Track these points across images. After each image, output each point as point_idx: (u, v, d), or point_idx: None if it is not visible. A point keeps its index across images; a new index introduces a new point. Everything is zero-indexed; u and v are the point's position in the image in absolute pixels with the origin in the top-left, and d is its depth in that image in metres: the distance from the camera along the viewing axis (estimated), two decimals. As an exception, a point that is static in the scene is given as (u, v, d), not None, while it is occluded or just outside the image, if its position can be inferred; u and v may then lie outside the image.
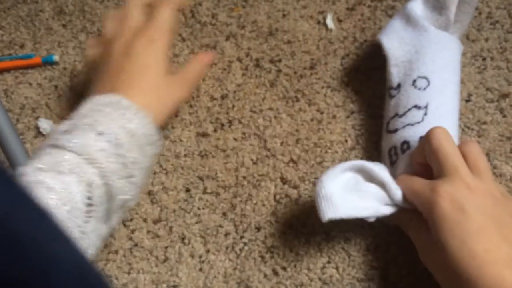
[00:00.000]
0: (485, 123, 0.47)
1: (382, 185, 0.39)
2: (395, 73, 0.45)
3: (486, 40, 0.50)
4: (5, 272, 0.19)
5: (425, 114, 0.41)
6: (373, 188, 0.39)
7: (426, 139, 0.37)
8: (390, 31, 0.46)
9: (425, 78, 0.43)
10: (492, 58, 0.49)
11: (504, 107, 0.47)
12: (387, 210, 0.39)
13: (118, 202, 0.39)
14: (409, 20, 0.45)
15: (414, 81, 0.43)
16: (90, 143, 0.37)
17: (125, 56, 0.44)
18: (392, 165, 0.42)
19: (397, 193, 0.38)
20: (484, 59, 0.50)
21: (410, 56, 0.44)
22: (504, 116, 0.47)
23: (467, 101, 0.48)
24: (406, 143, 0.41)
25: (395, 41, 0.46)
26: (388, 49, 0.46)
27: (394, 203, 0.39)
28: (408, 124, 0.42)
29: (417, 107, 0.42)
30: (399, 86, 0.44)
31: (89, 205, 0.36)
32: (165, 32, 0.45)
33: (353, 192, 0.39)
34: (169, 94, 0.44)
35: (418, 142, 0.40)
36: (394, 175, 0.40)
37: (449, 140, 0.37)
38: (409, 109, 0.42)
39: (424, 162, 0.38)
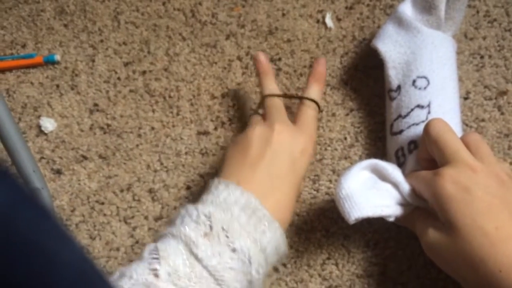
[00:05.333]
0: (483, 120, 0.47)
1: (395, 185, 0.39)
2: (394, 75, 0.45)
3: (484, 38, 0.51)
4: (7, 272, 0.19)
5: (429, 112, 0.42)
6: (389, 187, 0.39)
7: (425, 131, 0.38)
8: (384, 35, 0.47)
9: (425, 77, 0.43)
10: (490, 56, 0.50)
11: (502, 105, 0.48)
12: (402, 209, 0.39)
13: None
14: (401, 23, 0.46)
15: (414, 81, 0.43)
16: (224, 261, 0.35)
17: (266, 146, 0.41)
18: (400, 167, 0.42)
19: (407, 190, 0.39)
20: (482, 57, 0.50)
21: (407, 58, 0.45)
22: (502, 114, 0.47)
23: (465, 98, 0.48)
24: (413, 143, 0.41)
25: (390, 45, 0.46)
26: (384, 52, 0.46)
27: (406, 202, 0.39)
28: (413, 124, 0.42)
29: (420, 106, 0.42)
30: (399, 87, 0.44)
31: None
32: (313, 136, 0.44)
33: (373, 191, 0.38)
34: (294, 199, 0.41)
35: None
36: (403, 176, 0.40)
37: (447, 128, 0.37)
38: (412, 109, 0.42)
39: (429, 157, 0.39)
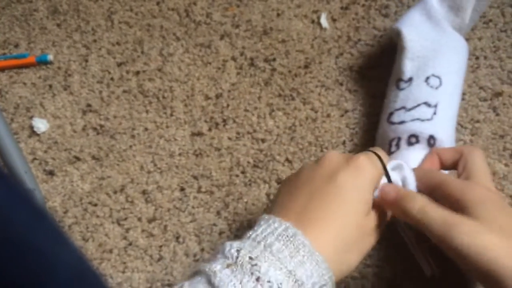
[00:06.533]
0: (478, 121, 0.47)
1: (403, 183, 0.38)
2: (409, 67, 0.45)
3: (480, 39, 0.50)
4: (4, 273, 0.19)
5: (435, 113, 0.42)
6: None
7: (469, 156, 0.37)
8: (409, 23, 0.46)
9: (439, 77, 0.43)
10: (485, 57, 0.50)
11: (497, 106, 0.48)
12: None
13: None
14: (430, 16, 0.45)
15: (428, 78, 0.43)
16: None
17: (328, 181, 0.35)
18: (389, 154, 0.42)
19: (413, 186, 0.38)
20: (477, 58, 0.50)
21: (427, 53, 0.44)
22: (497, 115, 0.47)
23: (461, 99, 0.48)
24: (415, 136, 0.41)
25: (414, 34, 0.45)
26: (407, 41, 0.45)
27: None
28: (418, 119, 0.42)
29: (427, 104, 0.42)
30: (410, 79, 0.44)
31: None
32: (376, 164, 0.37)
33: None
34: (358, 246, 0.35)
35: (427, 140, 0.41)
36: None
37: (486, 162, 0.38)
38: (419, 105, 0.42)
39: (449, 161, 0.39)
